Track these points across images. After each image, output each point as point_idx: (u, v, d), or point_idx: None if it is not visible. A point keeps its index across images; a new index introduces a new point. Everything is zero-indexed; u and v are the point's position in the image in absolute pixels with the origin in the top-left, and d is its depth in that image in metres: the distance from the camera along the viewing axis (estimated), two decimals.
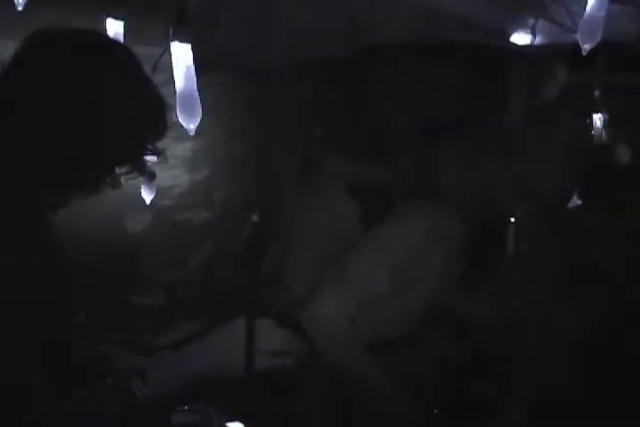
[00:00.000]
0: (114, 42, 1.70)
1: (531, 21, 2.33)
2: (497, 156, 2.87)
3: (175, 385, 1.60)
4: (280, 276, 3.11)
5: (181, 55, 2.32)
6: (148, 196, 3.08)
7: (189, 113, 2.35)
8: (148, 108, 1.57)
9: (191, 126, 2.37)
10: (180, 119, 2.35)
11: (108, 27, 2.57)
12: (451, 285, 2.80)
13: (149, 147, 1.61)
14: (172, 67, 2.42)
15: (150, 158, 1.61)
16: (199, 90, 2.43)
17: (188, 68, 2.38)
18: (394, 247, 2.69)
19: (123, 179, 1.60)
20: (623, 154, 3.17)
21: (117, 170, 1.59)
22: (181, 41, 2.30)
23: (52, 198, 1.58)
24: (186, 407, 2.01)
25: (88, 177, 1.59)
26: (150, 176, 1.68)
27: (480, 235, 2.86)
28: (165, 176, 3.49)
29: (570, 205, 3.14)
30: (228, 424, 2.31)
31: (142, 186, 3.07)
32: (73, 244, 1.79)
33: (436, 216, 2.78)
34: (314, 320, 2.54)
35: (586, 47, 1.72)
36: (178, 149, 3.69)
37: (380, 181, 3.15)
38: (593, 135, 3.25)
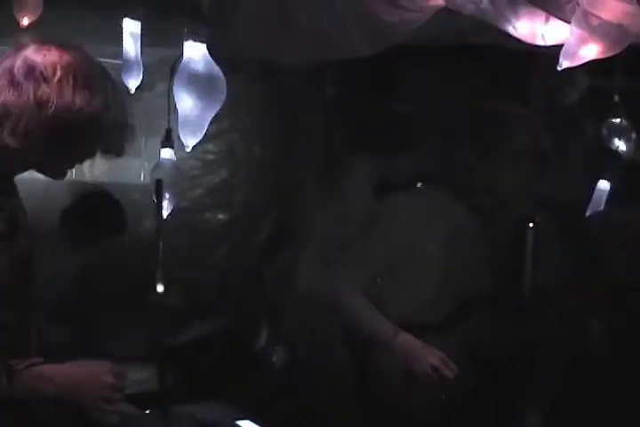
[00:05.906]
0: None
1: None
2: (516, 159, 2.86)
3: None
4: (294, 276, 3.12)
5: (194, 56, 2.15)
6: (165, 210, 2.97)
7: (191, 130, 2.16)
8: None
9: (189, 144, 2.19)
10: (180, 134, 2.20)
11: (124, 27, 2.51)
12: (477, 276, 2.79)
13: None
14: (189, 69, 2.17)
15: None
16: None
17: (202, 73, 2.16)
18: (395, 228, 2.73)
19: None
20: None
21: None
22: (196, 40, 2.15)
23: None
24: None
25: None
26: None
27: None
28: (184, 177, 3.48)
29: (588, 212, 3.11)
30: (238, 422, 2.33)
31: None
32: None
33: (440, 201, 2.81)
34: (329, 292, 2.78)
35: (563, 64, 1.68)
36: (197, 151, 3.67)
37: (406, 181, 3.15)
38: (612, 141, 3.21)
